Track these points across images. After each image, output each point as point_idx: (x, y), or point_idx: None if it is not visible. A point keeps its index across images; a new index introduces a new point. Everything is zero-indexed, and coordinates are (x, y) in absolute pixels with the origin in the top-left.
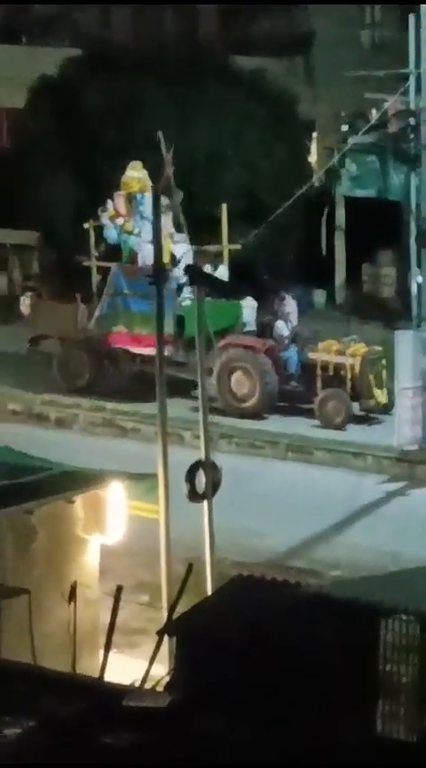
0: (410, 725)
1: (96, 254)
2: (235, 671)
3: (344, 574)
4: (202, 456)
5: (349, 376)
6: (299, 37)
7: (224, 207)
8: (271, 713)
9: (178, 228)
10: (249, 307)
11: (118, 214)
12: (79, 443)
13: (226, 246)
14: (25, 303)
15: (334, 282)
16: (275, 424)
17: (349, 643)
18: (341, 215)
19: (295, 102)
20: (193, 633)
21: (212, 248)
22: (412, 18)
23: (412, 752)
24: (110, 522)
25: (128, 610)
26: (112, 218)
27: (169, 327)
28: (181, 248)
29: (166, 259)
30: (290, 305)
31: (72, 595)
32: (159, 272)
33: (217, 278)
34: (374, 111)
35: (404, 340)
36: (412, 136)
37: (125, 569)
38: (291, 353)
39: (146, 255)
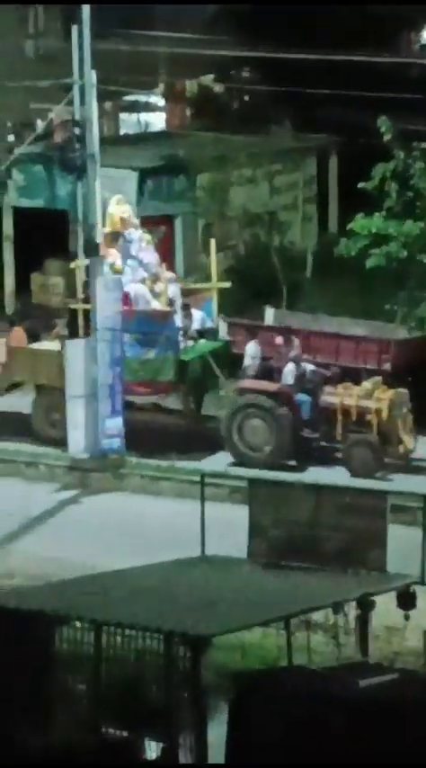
0: (87, 729)
1: (83, 295)
2: None
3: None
4: None
5: (375, 421)
6: None
7: (212, 242)
8: None
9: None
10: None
11: (106, 253)
12: None
13: (215, 285)
14: (0, 349)
15: (4, 292)
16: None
17: (24, 652)
18: (8, 225)
19: None
20: None
21: (201, 286)
22: (75, 28)
23: (89, 754)
24: None
25: None
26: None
27: (168, 374)
28: (173, 289)
29: (163, 302)
30: (298, 347)
31: None
32: None
33: None
34: (39, 121)
35: (75, 348)
36: (77, 145)
37: None
38: (304, 397)
39: (137, 297)
